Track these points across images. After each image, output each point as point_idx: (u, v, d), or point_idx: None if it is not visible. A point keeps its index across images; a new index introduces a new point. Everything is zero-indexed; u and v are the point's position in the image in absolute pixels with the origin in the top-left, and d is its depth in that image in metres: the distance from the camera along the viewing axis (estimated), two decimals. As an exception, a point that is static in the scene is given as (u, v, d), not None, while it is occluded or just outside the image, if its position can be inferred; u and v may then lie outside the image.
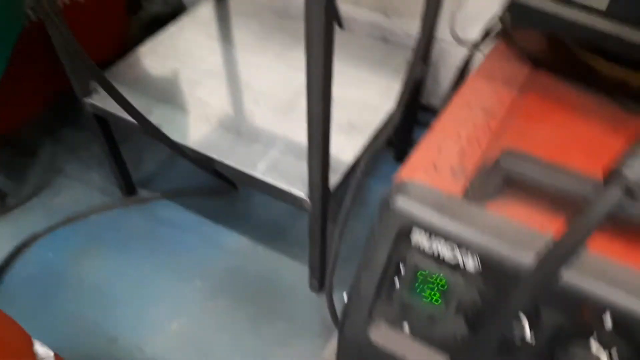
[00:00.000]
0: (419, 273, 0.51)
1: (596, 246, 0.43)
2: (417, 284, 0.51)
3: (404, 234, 0.49)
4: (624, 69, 0.56)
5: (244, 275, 1.12)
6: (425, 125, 1.37)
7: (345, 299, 0.58)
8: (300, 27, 0.59)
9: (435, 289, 0.51)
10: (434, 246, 0.49)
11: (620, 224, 0.45)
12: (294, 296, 1.08)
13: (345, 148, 0.88)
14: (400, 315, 0.54)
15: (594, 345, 0.45)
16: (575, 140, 0.52)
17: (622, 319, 0.43)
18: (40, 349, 0.68)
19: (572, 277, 0.43)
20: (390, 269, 0.51)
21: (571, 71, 0.60)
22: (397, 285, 0.52)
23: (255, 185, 0.86)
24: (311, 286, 1.08)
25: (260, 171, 0.86)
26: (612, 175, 0.33)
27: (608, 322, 0.44)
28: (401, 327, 0.55)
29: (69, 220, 1.20)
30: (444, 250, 0.48)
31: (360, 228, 1.12)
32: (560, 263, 0.33)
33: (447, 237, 0.46)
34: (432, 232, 0.47)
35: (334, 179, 0.84)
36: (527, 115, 0.55)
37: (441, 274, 0.50)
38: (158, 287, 1.09)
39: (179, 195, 1.25)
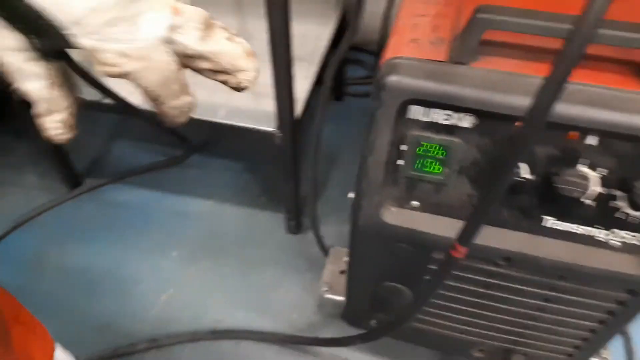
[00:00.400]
0: (419, 149, 0.54)
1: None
2: (418, 160, 0.55)
3: (402, 111, 0.52)
4: None
5: (218, 235, 1.11)
6: (355, 62, 1.42)
7: (352, 195, 0.60)
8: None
9: (436, 160, 0.55)
10: (431, 116, 0.52)
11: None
12: (273, 242, 1.10)
13: (299, 78, 0.89)
14: (408, 194, 0.58)
15: (583, 166, 0.51)
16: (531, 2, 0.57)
17: (602, 135, 0.50)
18: (61, 355, 0.63)
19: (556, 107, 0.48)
20: (394, 150, 0.54)
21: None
22: (402, 165, 0.56)
23: (222, 131, 0.86)
24: (289, 229, 1.10)
25: (222, 117, 0.85)
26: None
27: (593, 140, 0.50)
28: (411, 205, 0.58)
29: (16, 227, 1.12)
30: (441, 118, 0.52)
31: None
32: (564, 78, 0.37)
33: (444, 100, 0.50)
34: (430, 98, 0.50)
35: (298, 108, 0.85)
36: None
37: (440, 144, 0.53)
38: (135, 267, 1.06)
39: (130, 176, 1.20)
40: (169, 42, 0.29)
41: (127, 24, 0.26)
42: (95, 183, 1.19)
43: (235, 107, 0.88)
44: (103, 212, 1.15)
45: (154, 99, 0.31)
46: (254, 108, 0.88)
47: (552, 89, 0.37)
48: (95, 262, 1.07)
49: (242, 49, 0.31)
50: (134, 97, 0.89)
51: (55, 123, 0.31)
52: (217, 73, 0.32)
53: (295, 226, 1.09)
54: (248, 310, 1.00)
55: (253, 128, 0.84)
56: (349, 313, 0.86)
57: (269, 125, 0.84)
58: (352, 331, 0.90)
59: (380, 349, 0.94)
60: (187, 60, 0.31)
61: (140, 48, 0.28)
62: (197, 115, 0.86)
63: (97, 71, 0.28)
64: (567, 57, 0.36)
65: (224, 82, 0.33)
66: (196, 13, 0.28)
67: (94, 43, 0.27)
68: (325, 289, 0.89)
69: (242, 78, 0.32)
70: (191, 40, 0.29)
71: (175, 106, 0.32)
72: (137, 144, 1.28)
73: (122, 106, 0.88)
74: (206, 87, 0.90)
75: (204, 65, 0.31)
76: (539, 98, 0.38)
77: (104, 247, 1.09)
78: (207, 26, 0.29)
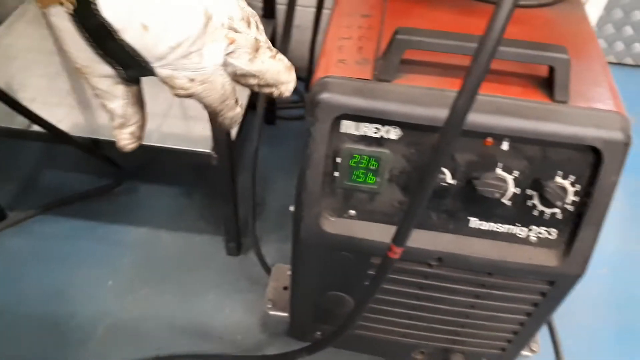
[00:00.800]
0: (352, 161, 0.58)
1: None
2: (352, 171, 0.59)
3: (335, 126, 0.55)
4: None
5: (156, 262, 1.09)
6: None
7: (292, 208, 0.63)
8: None
9: (368, 170, 0.59)
10: (362, 130, 0.56)
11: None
12: (214, 266, 1.10)
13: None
14: (346, 204, 0.61)
15: (500, 170, 0.57)
16: (440, 24, 0.63)
17: (513, 140, 0.55)
18: None
19: (471, 117, 0.53)
20: (330, 162, 0.58)
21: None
22: (338, 177, 0.59)
23: (157, 155, 0.86)
24: (229, 251, 1.10)
25: (156, 140, 0.85)
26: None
27: (506, 146, 0.56)
28: (349, 214, 0.62)
29: None
30: (370, 131, 0.56)
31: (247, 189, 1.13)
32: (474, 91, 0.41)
33: (372, 115, 0.54)
34: (359, 113, 0.54)
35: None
36: (396, 14, 0.64)
37: (371, 155, 0.57)
38: (69, 300, 1.02)
39: (58, 206, 1.16)
40: (225, 65, 0.35)
41: (195, 55, 0.33)
42: (21, 215, 1.13)
43: (170, 131, 0.88)
44: (31, 245, 1.10)
45: (213, 112, 0.38)
46: (189, 131, 0.89)
47: (464, 100, 0.42)
48: (27, 298, 1.01)
49: (283, 65, 0.38)
50: (63, 123, 0.88)
51: (126, 135, 0.37)
52: (263, 87, 0.38)
53: (236, 248, 1.09)
54: (191, 335, 0.98)
55: (189, 150, 0.85)
56: (294, 328, 0.87)
57: (205, 147, 0.85)
58: (298, 346, 0.91)
59: (326, 361, 0.96)
60: (238, 77, 0.37)
61: (204, 74, 0.34)
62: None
63: (170, 92, 0.35)
64: (475, 71, 0.40)
65: (270, 94, 0.39)
66: (246, 40, 0.35)
67: (169, 72, 0.33)
68: (270, 306, 0.90)
69: (284, 89, 0.39)
70: (242, 63, 0.35)
71: (229, 117, 0.39)
72: (66, 172, 1.24)
73: (51, 133, 0.86)
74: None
75: (252, 81, 0.37)
76: (454, 109, 0.43)
77: (34, 282, 1.04)
78: (255, 49, 0.36)
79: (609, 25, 1.48)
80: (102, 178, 1.21)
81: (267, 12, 1.13)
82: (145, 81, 0.38)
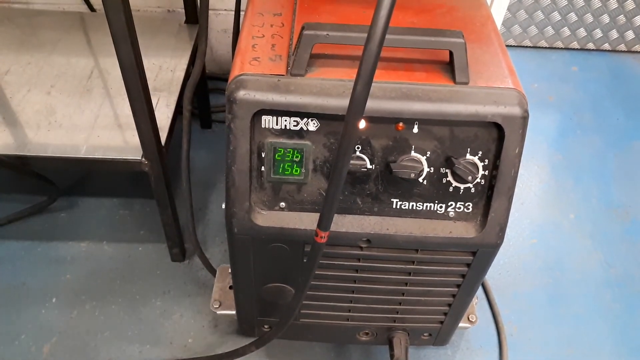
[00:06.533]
0: (277, 155, 0.60)
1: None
2: (278, 166, 0.61)
3: (256, 121, 0.57)
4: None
5: (100, 275, 1.08)
6: (215, 90, 1.47)
7: (224, 206, 0.64)
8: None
9: (293, 163, 0.61)
10: (282, 124, 0.59)
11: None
12: (160, 273, 1.09)
13: (160, 107, 0.92)
14: (275, 196, 0.64)
15: (414, 152, 0.61)
16: (348, 18, 0.66)
17: (421, 122, 0.59)
18: None
19: (376, 103, 0.57)
20: (255, 157, 0.60)
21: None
22: (265, 171, 0.61)
23: (87, 167, 0.85)
24: (173, 257, 1.10)
25: (85, 152, 0.85)
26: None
27: (417, 129, 0.60)
28: (279, 206, 0.64)
29: None
30: (291, 124, 0.59)
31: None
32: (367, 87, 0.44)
33: (288, 108, 0.56)
34: (276, 107, 0.56)
35: (163, 136, 0.87)
36: (306, 11, 0.67)
37: (294, 148, 0.60)
38: (11, 322, 0.99)
39: (-8, 229, 1.13)
40: None
41: None
42: (-49, 242, 1.10)
43: (99, 142, 0.88)
44: (-35, 272, 1.07)
45: None
46: (118, 141, 0.88)
47: (362, 86, 0.45)
48: (-38, 326, 0.98)
49: None
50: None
51: None
52: None
53: (180, 253, 1.09)
54: (142, 343, 0.98)
55: (119, 159, 0.85)
56: (242, 324, 0.89)
57: (135, 154, 0.85)
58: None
59: (279, 353, 0.98)
60: None
61: None
62: (57, 154, 0.85)
63: None
64: (367, 58, 0.43)
65: None
66: None
67: None
68: (216, 306, 0.91)
69: None
70: None
71: None
72: (-4, 194, 1.20)
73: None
74: (66, 127, 0.90)
75: None
76: (353, 95, 0.45)
77: (-29, 309, 1.01)
78: None
79: (522, 11, 1.57)
80: (37, 196, 1.18)
81: (190, 18, 1.13)
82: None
